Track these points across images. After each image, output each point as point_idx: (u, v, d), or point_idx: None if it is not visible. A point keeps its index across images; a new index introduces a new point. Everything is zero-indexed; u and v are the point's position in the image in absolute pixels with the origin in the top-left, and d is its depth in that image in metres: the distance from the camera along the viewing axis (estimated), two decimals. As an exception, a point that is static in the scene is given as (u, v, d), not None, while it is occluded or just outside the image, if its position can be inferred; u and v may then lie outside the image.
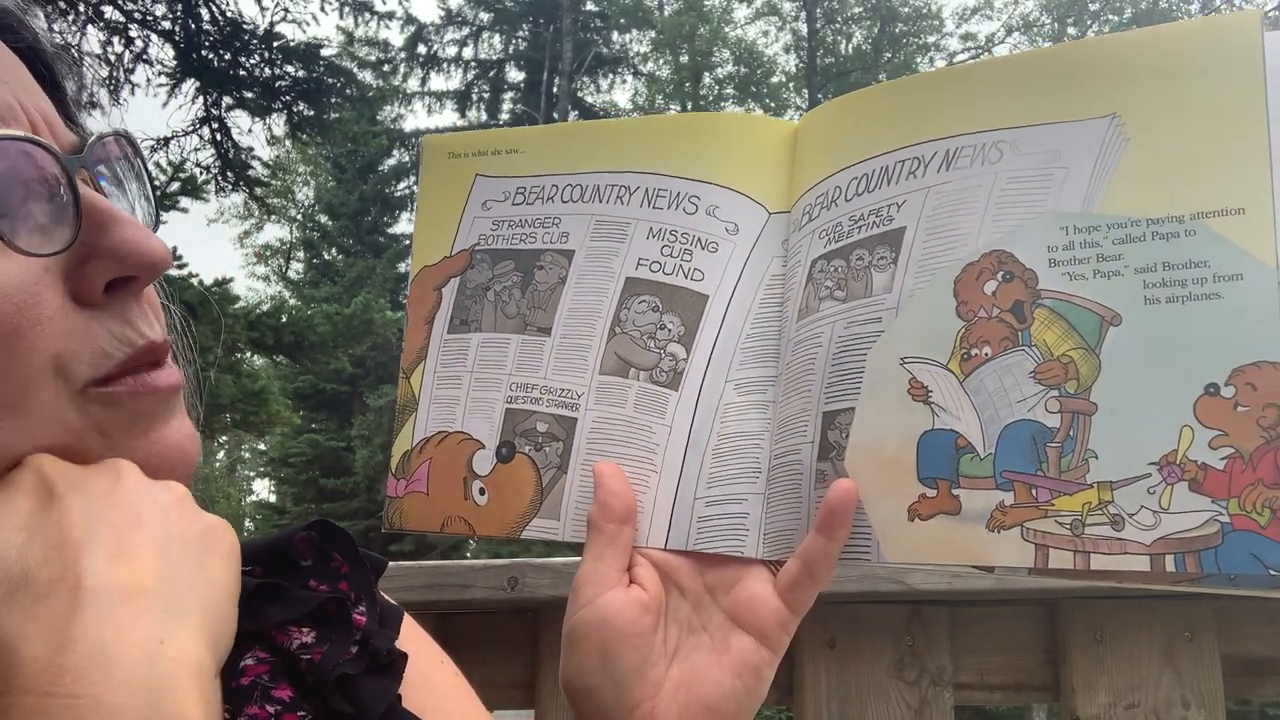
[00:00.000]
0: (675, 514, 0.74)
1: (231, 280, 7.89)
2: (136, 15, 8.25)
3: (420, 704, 0.68)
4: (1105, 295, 0.60)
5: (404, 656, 0.67)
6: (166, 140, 8.61)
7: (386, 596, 0.72)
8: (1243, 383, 0.56)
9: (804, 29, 26.99)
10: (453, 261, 0.83)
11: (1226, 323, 0.57)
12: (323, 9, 9.67)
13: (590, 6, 26.90)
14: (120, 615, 0.45)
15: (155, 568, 0.48)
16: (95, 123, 0.64)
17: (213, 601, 0.51)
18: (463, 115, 26.65)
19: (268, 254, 29.46)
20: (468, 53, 26.58)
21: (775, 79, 27.50)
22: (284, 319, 9.27)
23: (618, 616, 0.71)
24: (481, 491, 0.79)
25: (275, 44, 8.79)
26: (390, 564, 1.23)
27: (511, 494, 0.78)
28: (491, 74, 26.79)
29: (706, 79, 27.41)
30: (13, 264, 0.50)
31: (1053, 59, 0.65)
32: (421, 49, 26.09)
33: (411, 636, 0.73)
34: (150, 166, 0.60)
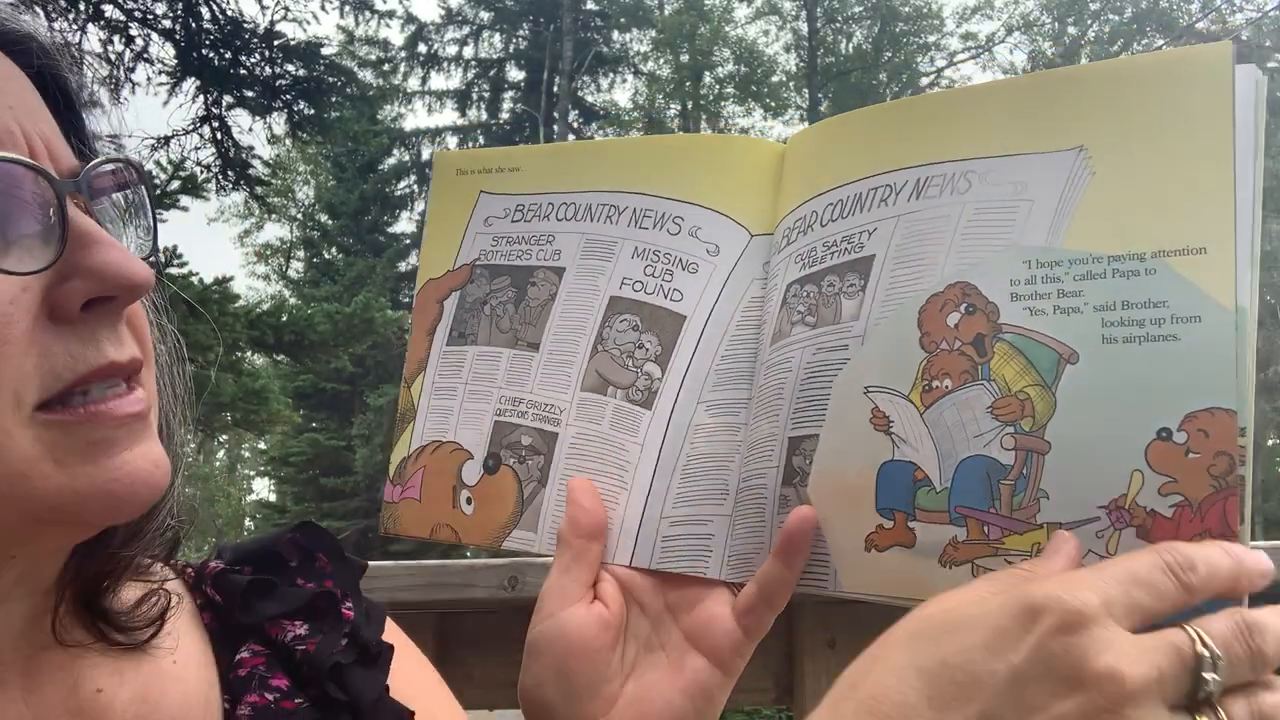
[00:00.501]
0: (641, 532, 0.74)
1: (232, 279, 7.89)
2: (137, 14, 8.25)
3: (405, 698, 0.69)
4: (1064, 332, 0.59)
5: (390, 648, 0.70)
6: (167, 139, 8.61)
7: (369, 596, 0.75)
8: (1195, 429, 0.55)
9: (804, 28, 26.99)
10: (455, 275, 0.84)
11: (1182, 366, 0.56)
12: (323, 8, 9.66)
13: (590, 6, 26.91)
14: None
15: None
16: (97, 120, 0.64)
17: None
18: (463, 114, 26.68)
19: (268, 253, 29.48)
20: (468, 52, 26.62)
21: (775, 78, 27.50)
22: (284, 318, 9.27)
23: (578, 632, 0.71)
24: (469, 501, 0.80)
25: (275, 43, 8.79)
26: (391, 564, 1.25)
27: (495, 504, 0.79)
28: (492, 73, 26.80)
29: (707, 78, 27.42)
30: None
31: (1023, 89, 0.64)
32: (422, 48, 26.11)
33: (393, 635, 0.74)
34: (152, 184, 0.60)
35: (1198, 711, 0.48)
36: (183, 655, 0.65)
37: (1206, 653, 0.48)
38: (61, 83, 0.60)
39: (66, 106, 0.61)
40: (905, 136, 0.68)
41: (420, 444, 0.82)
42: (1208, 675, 0.48)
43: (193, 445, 0.64)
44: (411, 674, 0.74)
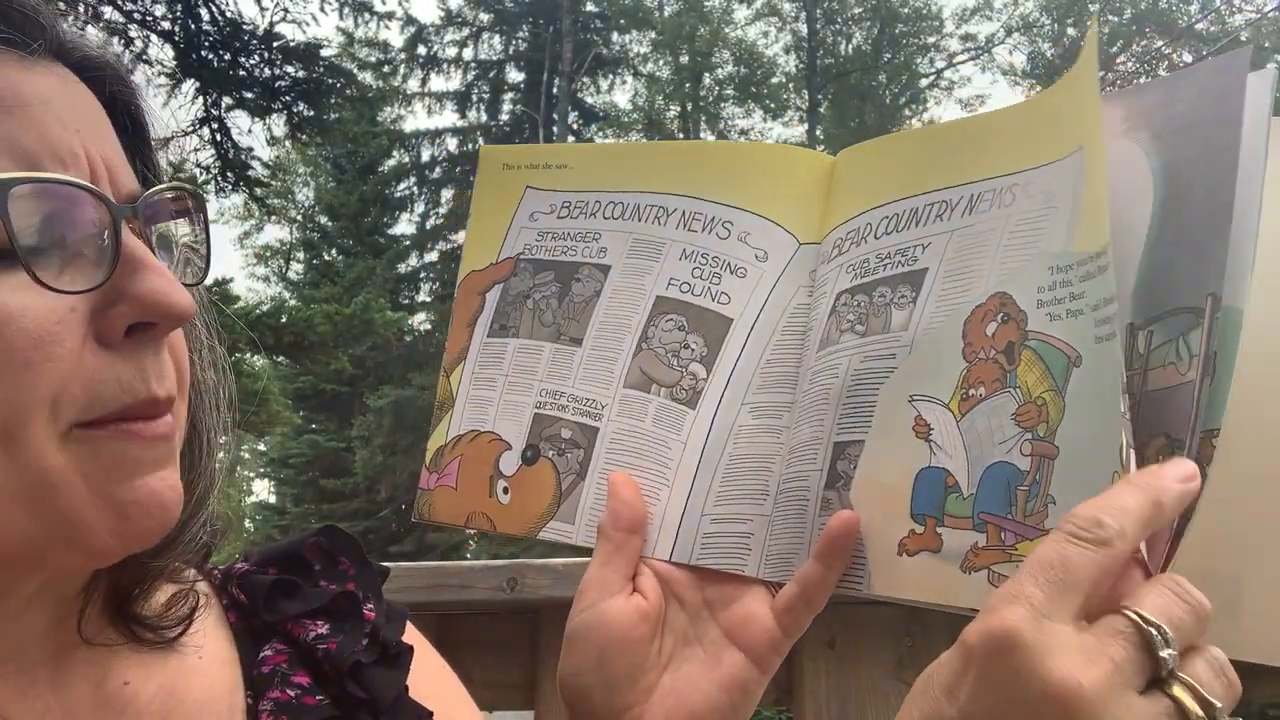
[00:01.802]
0: (682, 528, 0.76)
1: (231, 280, 7.90)
2: (136, 15, 8.26)
3: (423, 699, 0.71)
4: (1071, 334, 0.59)
5: (410, 649, 0.72)
6: (166, 140, 8.59)
7: (389, 599, 0.76)
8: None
9: (804, 29, 27.00)
10: (498, 268, 0.85)
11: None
12: (323, 9, 9.67)
13: (590, 7, 26.92)
14: None
15: None
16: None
17: None
18: (463, 116, 26.67)
19: (267, 255, 29.48)
20: (468, 53, 26.62)
21: (775, 79, 27.51)
22: (284, 319, 9.27)
23: (617, 622, 0.72)
24: (505, 490, 0.81)
25: (275, 44, 8.80)
26: (391, 565, 1.26)
27: (532, 495, 0.80)
28: (491, 75, 26.79)
29: (706, 80, 27.43)
30: (39, 300, 0.52)
31: (1059, 96, 0.64)
32: (421, 50, 26.11)
33: (414, 639, 0.76)
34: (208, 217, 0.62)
35: (1165, 686, 0.48)
36: (208, 652, 0.67)
37: (1152, 629, 0.48)
38: (133, 110, 0.63)
39: (134, 133, 0.63)
40: (961, 153, 0.69)
41: (458, 433, 0.83)
42: (1163, 653, 0.47)
43: (226, 461, 0.66)
44: (431, 676, 0.76)
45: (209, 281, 0.66)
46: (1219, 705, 0.48)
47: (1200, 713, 0.47)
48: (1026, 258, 0.63)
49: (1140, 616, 0.48)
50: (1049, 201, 0.63)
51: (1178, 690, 0.47)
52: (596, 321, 0.80)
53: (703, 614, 0.75)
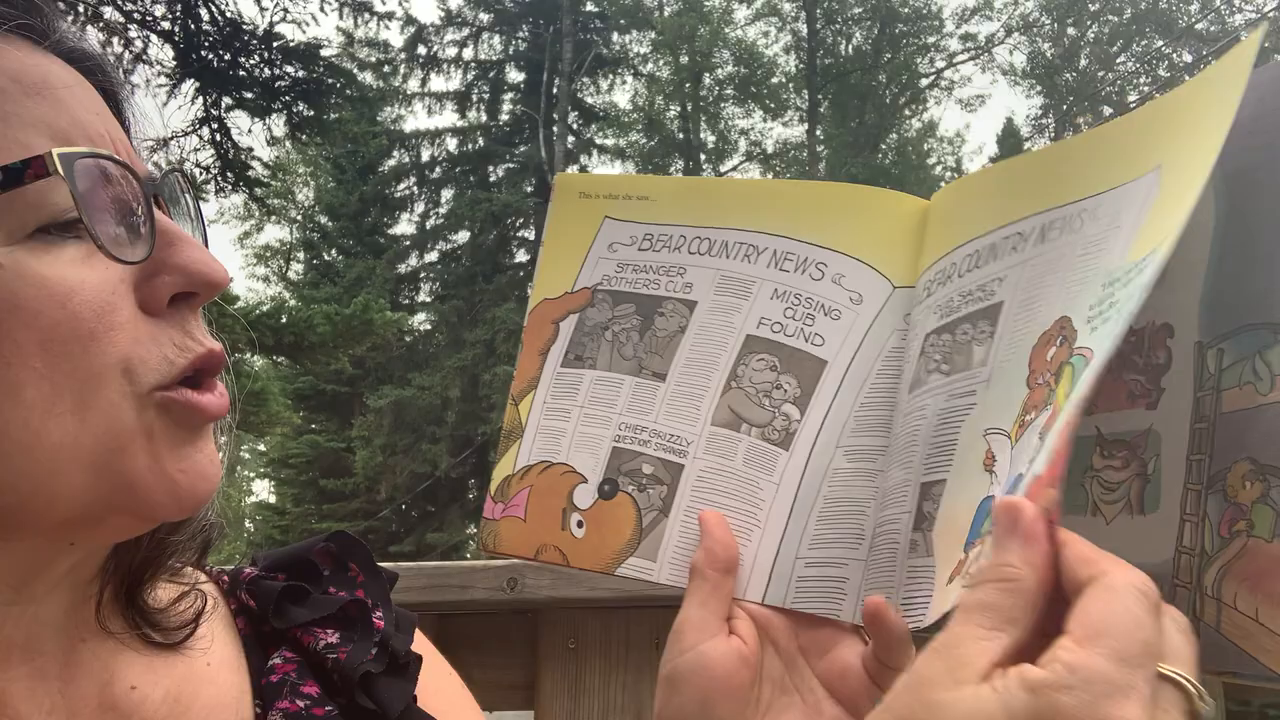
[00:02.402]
0: (775, 571, 0.75)
1: (231, 280, 7.90)
2: (136, 15, 8.25)
3: (432, 709, 0.70)
4: (1097, 344, 0.58)
5: (419, 659, 0.71)
6: (166, 141, 8.61)
7: (398, 606, 0.76)
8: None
9: (804, 29, 27.00)
10: (574, 298, 0.84)
11: None
12: (322, 9, 9.67)
13: (590, 7, 26.91)
14: None
15: None
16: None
17: None
18: (462, 116, 26.66)
19: (267, 255, 29.48)
20: (467, 53, 26.61)
21: (775, 80, 27.51)
22: (284, 319, 9.28)
23: (719, 665, 0.71)
24: (579, 524, 0.79)
25: (275, 44, 8.79)
26: (391, 565, 1.25)
27: (610, 530, 0.79)
28: (491, 75, 26.79)
29: (706, 80, 27.43)
30: (94, 272, 0.54)
31: (1132, 121, 0.64)
32: (421, 50, 26.10)
33: (421, 646, 0.75)
34: (151, 168, 0.64)
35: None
36: (216, 659, 0.67)
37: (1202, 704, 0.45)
38: (118, 101, 0.65)
39: (119, 122, 0.65)
40: (1034, 183, 0.69)
41: (527, 463, 0.82)
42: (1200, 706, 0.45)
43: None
44: (439, 684, 0.75)
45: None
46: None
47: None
48: (1084, 279, 0.62)
49: (1197, 689, 0.45)
50: (1114, 222, 0.62)
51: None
52: (682, 357, 0.79)
53: (798, 661, 0.74)
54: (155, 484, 0.56)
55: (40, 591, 0.58)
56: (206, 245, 0.65)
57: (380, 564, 0.77)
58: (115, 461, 0.55)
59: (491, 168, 26.34)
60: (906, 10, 26.62)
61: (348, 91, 9.89)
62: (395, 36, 25.36)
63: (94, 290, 0.54)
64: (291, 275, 28.75)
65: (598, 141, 27.24)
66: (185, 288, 0.58)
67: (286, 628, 0.68)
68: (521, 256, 25.66)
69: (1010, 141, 28.20)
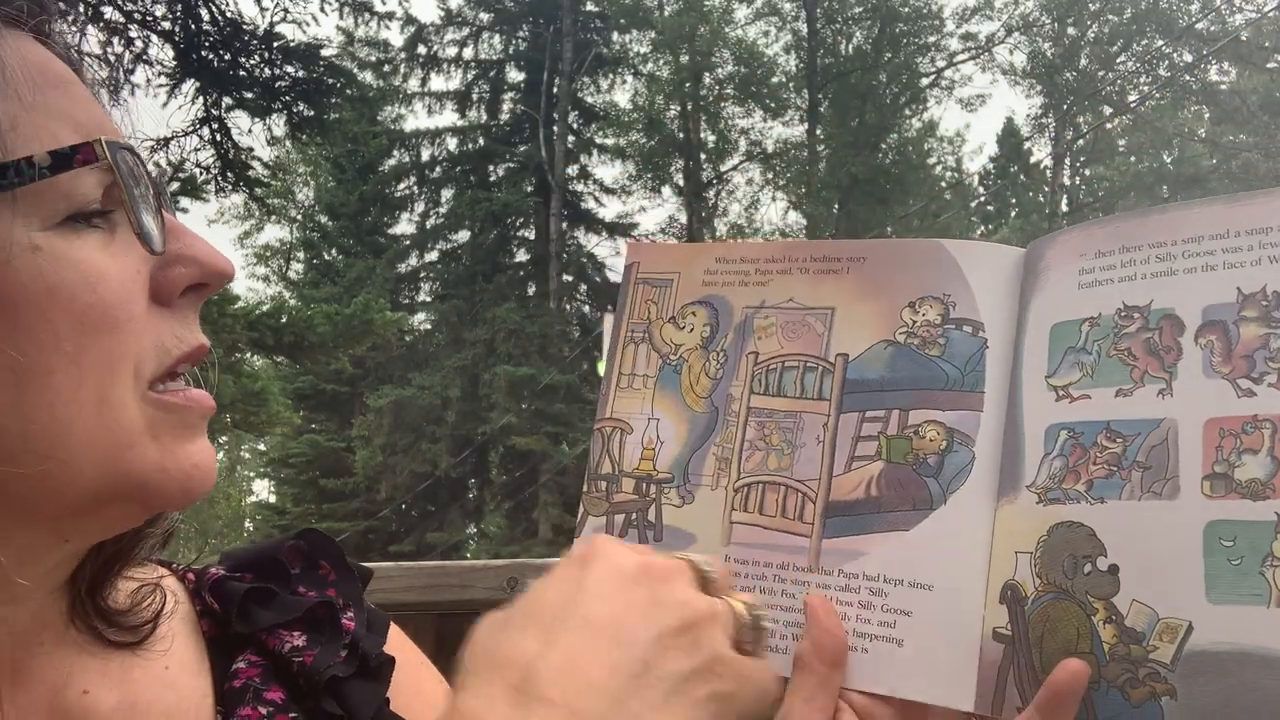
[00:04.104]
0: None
1: (231, 280, 7.90)
2: (136, 15, 8.25)
3: (410, 712, 0.68)
4: None
5: (392, 661, 0.69)
6: (166, 140, 8.61)
7: (372, 605, 0.73)
8: None
9: (804, 29, 27.00)
10: None
11: None
12: (323, 9, 9.66)
13: (590, 7, 26.91)
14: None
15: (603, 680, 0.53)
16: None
17: None
18: (462, 115, 26.66)
19: (268, 254, 29.49)
20: (468, 53, 26.61)
21: (775, 79, 27.50)
22: (284, 319, 9.28)
23: None
24: None
25: (275, 44, 8.79)
26: (390, 565, 1.24)
27: None
28: (491, 74, 26.78)
29: (706, 79, 27.42)
30: (114, 261, 0.55)
31: None
32: (421, 49, 26.10)
33: (401, 646, 0.73)
34: (151, 168, 0.64)
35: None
36: (176, 662, 0.64)
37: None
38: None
39: None
40: None
41: None
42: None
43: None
44: (416, 685, 0.73)
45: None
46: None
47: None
48: None
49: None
50: None
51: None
52: None
53: None
54: (166, 477, 0.57)
55: (20, 592, 0.57)
56: None
57: (363, 562, 0.74)
58: (126, 456, 0.55)
59: (491, 167, 26.33)
60: (907, 10, 26.61)
61: (348, 91, 9.89)
62: (395, 36, 25.37)
63: (118, 277, 0.55)
64: (291, 275, 28.77)
65: (598, 141, 27.24)
66: (200, 279, 0.59)
67: (251, 631, 0.66)
68: (521, 256, 25.68)
69: (1010, 141, 28.20)
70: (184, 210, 7.47)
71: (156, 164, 0.65)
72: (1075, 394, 0.68)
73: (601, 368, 0.86)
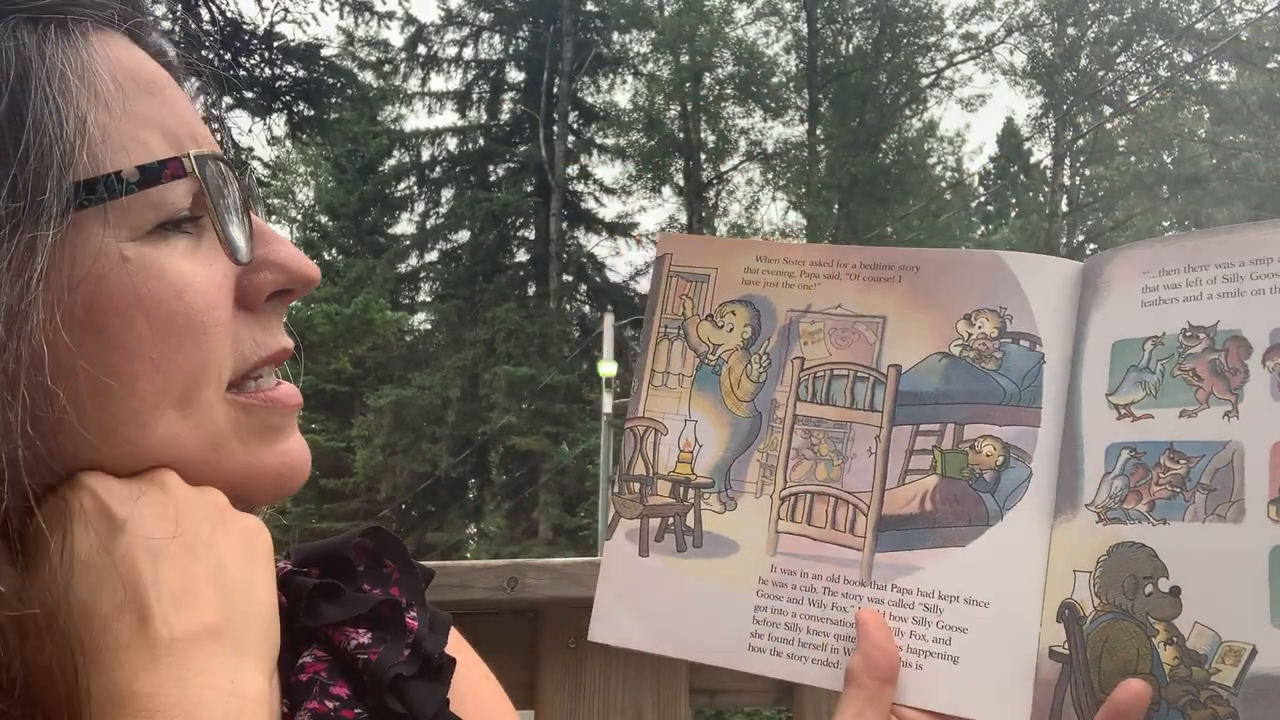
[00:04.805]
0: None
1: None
2: (136, 15, 8.24)
3: (466, 712, 0.69)
4: None
5: (453, 661, 0.69)
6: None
7: (433, 606, 0.73)
8: None
9: (804, 29, 26.99)
10: None
11: None
12: (323, 9, 9.67)
13: (590, 7, 26.92)
14: (196, 662, 0.50)
15: (216, 604, 0.52)
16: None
17: (266, 624, 0.55)
18: (462, 115, 26.66)
19: (268, 254, 29.46)
20: (468, 53, 26.62)
21: (775, 79, 27.50)
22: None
23: None
24: None
25: (275, 44, 8.80)
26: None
27: None
28: (491, 74, 26.79)
29: (706, 79, 27.42)
30: (203, 267, 0.57)
31: None
32: (421, 49, 26.11)
33: (458, 647, 0.73)
34: (239, 173, 0.65)
35: None
36: None
37: None
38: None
39: None
40: None
41: None
42: None
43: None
44: (474, 687, 0.73)
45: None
46: None
47: None
48: None
49: None
50: None
51: None
52: None
53: None
54: (253, 478, 0.59)
55: None
56: None
57: (423, 564, 0.74)
58: (212, 459, 0.57)
59: (491, 167, 26.35)
60: (907, 10, 26.61)
61: (348, 91, 9.90)
62: (395, 36, 25.38)
63: (204, 285, 0.56)
64: (291, 275, 28.72)
65: (598, 141, 27.24)
66: (286, 284, 0.61)
67: (317, 626, 0.66)
68: (521, 256, 25.68)
69: (1010, 141, 28.20)
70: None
71: (246, 161, 0.65)
72: (1137, 413, 0.67)
73: (602, 368, 0.85)
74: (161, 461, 0.55)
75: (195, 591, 0.52)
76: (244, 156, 8.94)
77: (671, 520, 0.77)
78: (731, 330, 0.79)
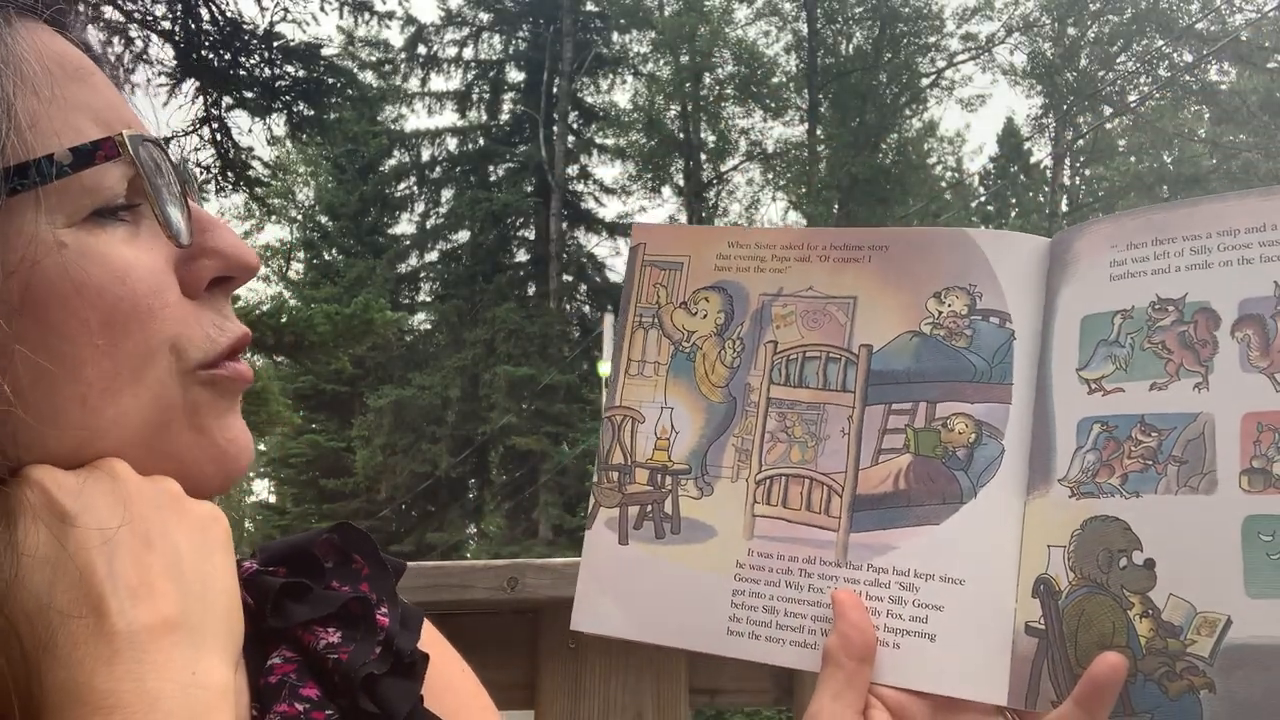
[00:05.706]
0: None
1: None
2: (136, 15, 8.25)
3: (442, 708, 0.68)
4: None
5: (426, 658, 0.68)
6: (166, 140, 8.58)
7: (405, 600, 0.72)
8: None
9: (804, 29, 26.99)
10: None
11: None
12: (323, 9, 9.66)
13: (590, 7, 26.91)
14: (154, 655, 0.49)
15: (173, 595, 0.52)
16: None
17: (226, 612, 0.55)
18: (462, 115, 26.65)
19: (268, 254, 29.48)
20: (468, 53, 26.60)
21: (775, 79, 27.49)
22: (284, 319, 9.28)
23: None
24: None
25: (275, 44, 8.79)
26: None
27: None
28: (491, 74, 26.77)
29: (706, 79, 27.41)
30: (143, 253, 0.56)
31: None
32: (421, 49, 26.09)
33: (432, 641, 0.72)
34: (175, 158, 0.64)
35: None
36: None
37: None
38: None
39: None
40: None
41: None
42: None
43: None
44: (449, 681, 0.72)
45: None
46: None
47: None
48: None
49: None
50: None
51: None
52: None
53: None
54: (202, 455, 0.58)
55: None
56: None
57: (395, 558, 0.73)
58: (162, 436, 0.57)
59: (491, 167, 26.33)
60: (907, 10, 26.60)
61: (348, 91, 9.89)
62: (395, 36, 25.36)
63: (147, 269, 0.56)
64: (292, 275, 28.76)
65: (598, 141, 27.23)
66: (225, 271, 0.60)
67: (286, 626, 0.65)
68: (521, 256, 25.67)
69: (1010, 141, 28.19)
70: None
71: (180, 150, 0.65)
72: (1108, 387, 0.67)
73: (602, 368, 0.85)
74: (111, 445, 0.55)
75: (151, 583, 0.51)
76: (246, 157, 8.94)
77: (650, 508, 0.77)
78: (705, 317, 0.79)
